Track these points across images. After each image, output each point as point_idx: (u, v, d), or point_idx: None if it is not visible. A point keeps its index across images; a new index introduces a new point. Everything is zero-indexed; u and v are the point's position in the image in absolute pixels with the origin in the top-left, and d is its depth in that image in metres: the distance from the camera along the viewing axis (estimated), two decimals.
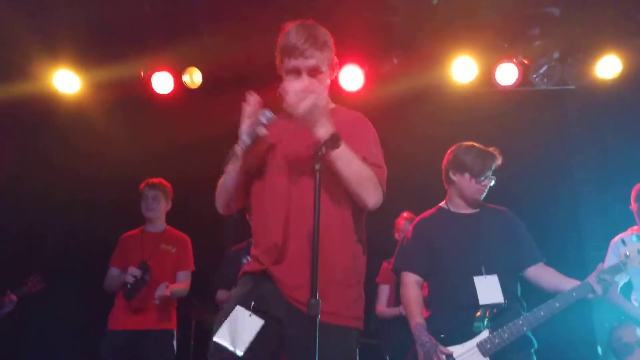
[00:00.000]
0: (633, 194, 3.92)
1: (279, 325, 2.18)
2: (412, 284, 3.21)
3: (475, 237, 3.17)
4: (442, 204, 3.40)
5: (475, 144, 3.30)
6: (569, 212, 5.97)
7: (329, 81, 2.39)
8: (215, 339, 2.12)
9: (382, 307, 5.05)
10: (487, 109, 5.68)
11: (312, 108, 2.06)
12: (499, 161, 3.24)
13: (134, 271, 4.19)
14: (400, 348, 4.95)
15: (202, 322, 5.23)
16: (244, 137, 2.13)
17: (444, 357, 2.97)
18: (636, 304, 3.74)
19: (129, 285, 4.18)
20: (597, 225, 5.38)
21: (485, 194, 3.26)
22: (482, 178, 3.20)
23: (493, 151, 3.26)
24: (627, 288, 3.91)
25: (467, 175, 3.22)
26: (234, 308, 2.18)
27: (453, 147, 3.36)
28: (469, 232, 3.20)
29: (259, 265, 2.25)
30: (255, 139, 2.14)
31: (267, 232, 2.25)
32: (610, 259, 3.91)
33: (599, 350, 3.90)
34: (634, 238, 3.91)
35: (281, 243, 2.20)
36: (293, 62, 2.26)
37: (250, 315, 2.14)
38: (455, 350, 3.01)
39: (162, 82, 5.71)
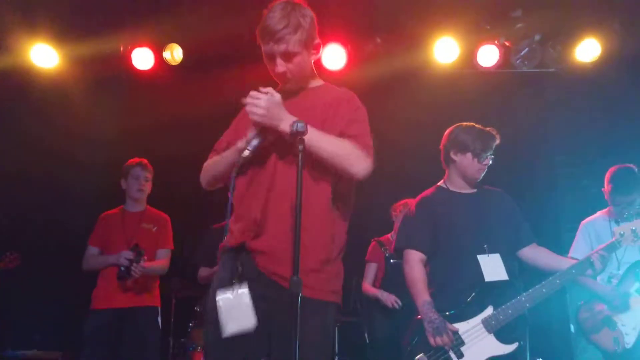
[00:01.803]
0: (607, 176, 3.99)
1: (264, 302, 2.18)
2: (416, 262, 3.24)
3: (477, 217, 3.23)
4: (440, 183, 3.43)
5: (475, 124, 3.35)
6: (547, 193, 6.06)
7: (310, 61, 2.39)
8: (227, 334, 2.11)
9: (366, 285, 5.12)
10: (468, 90, 5.72)
11: (262, 116, 2.12)
12: (498, 141, 3.30)
13: (127, 254, 4.16)
14: (378, 327, 5.02)
15: (183, 300, 5.25)
16: (254, 141, 2.17)
17: (451, 333, 3.03)
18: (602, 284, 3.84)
19: (123, 268, 4.15)
20: (574, 207, 5.47)
21: (484, 173, 3.32)
22: (484, 157, 3.26)
23: (491, 131, 3.32)
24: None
25: (469, 155, 3.27)
26: (216, 300, 2.16)
27: (452, 127, 3.39)
28: (470, 212, 3.25)
29: (236, 240, 2.26)
30: (263, 138, 2.19)
31: (249, 207, 2.26)
32: (579, 241, 4.00)
33: (572, 328, 3.99)
34: (601, 220, 4.00)
35: (261, 218, 2.21)
36: (266, 47, 2.28)
37: (233, 290, 2.13)
38: (461, 327, 3.07)
39: (142, 58, 5.64)
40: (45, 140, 5.81)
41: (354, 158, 2.19)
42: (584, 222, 4.08)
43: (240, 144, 2.23)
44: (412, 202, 5.07)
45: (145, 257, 4.20)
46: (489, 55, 5.52)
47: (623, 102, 5.62)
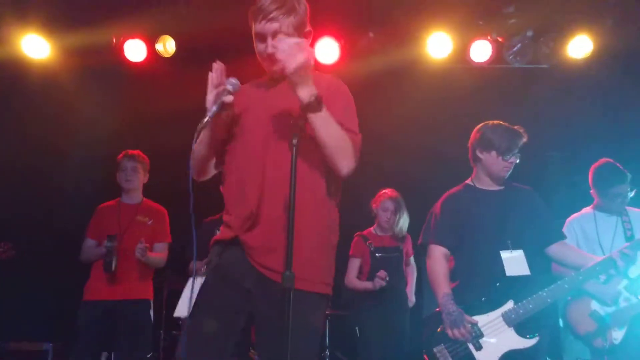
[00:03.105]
0: (591, 175, 4.01)
1: (248, 297, 2.19)
2: (440, 256, 3.30)
3: (502, 214, 3.28)
4: (468, 181, 3.48)
5: (502, 122, 3.38)
6: (538, 188, 6.07)
7: None
8: (175, 314, 2.16)
9: (352, 279, 5.11)
10: (460, 85, 5.73)
11: (303, 66, 2.04)
12: (525, 139, 3.33)
13: (105, 244, 4.17)
14: (367, 320, 5.03)
15: (175, 292, 5.24)
16: (211, 105, 2.14)
17: (469, 326, 3.08)
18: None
19: (105, 257, 4.17)
20: (565, 202, 5.50)
21: (510, 171, 3.35)
22: (509, 156, 3.29)
23: (519, 129, 3.34)
24: None
25: (494, 153, 3.31)
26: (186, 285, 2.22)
27: (480, 126, 3.42)
28: (495, 209, 3.30)
29: (230, 232, 2.26)
30: (222, 106, 2.15)
31: (241, 199, 2.25)
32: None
33: (561, 322, 4.02)
34: (586, 217, 4.02)
35: (255, 210, 2.20)
36: (257, 26, 2.26)
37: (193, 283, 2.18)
38: (480, 319, 3.13)
39: (134, 50, 5.61)
40: (36, 131, 5.77)
41: (348, 154, 2.19)
42: (569, 219, 4.11)
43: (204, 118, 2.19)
44: (391, 192, 5.16)
45: (143, 240, 4.20)
46: (481, 51, 5.54)
47: (615, 99, 5.66)
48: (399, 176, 5.66)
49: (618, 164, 3.94)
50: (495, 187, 3.39)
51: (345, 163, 2.19)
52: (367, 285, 4.95)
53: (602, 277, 3.78)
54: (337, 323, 5.43)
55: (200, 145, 2.30)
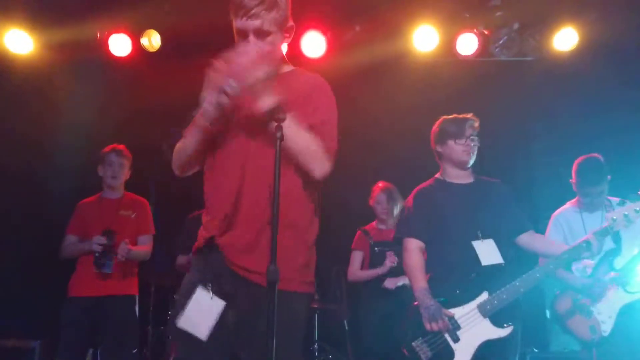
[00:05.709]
0: (574, 168, 4.04)
1: (233, 303, 2.15)
2: (414, 249, 3.36)
3: (471, 206, 3.33)
4: (437, 175, 3.54)
5: (454, 115, 3.48)
6: (525, 181, 6.13)
7: (283, 43, 2.33)
8: (179, 324, 2.09)
9: (356, 270, 5.12)
10: (447, 79, 5.74)
11: (260, 80, 2.01)
12: (476, 123, 3.42)
13: (99, 239, 4.11)
14: (369, 313, 5.04)
15: (162, 288, 5.22)
16: (209, 108, 2.07)
17: (447, 318, 3.13)
18: (577, 274, 3.90)
19: (97, 254, 4.11)
20: (551, 195, 5.54)
21: (474, 155, 3.40)
22: (462, 138, 3.36)
23: (468, 115, 3.45)
24: None
25: (449, 142, 3.39)
26: (194, 291, 2.14)
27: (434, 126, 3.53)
28: (465, 201, 3.36)
29: (206, 234, 2.23)
30: (220, 110, 2.08)
31: (219, 198, 2.22)
32: (551, 233, 4.05)
33: (547, 314, 4.05)
34: (571, 212, 4.05)
35: (232, 210, 2.17)
36: (239, 23, 2.20)
37: (211, 297, 2.12)
38: (457, 312, 3.17)
39: (119, 45, 5.56)
40: (19, 127, 5.71)
41: (318, 159, 2.16)
42: (554, 214, 4.13)
43: (198, 119, 2.14)
44: (382, 184, 5.20)
45: (127, 241, 4.16)
46: (468, 44, 5.54)
47: (600, 91, 5.69)
48: (387, 169, 5.66)
49: (600, 158, 3.96)
50: (464, 181, 3.45)
51: (315, 167, 2.16)
52: (374, 271, 4.92)
53: (589, 270, 3.81)
54: (325, 316, 5.44)
55: (187, 144, 2.25)
